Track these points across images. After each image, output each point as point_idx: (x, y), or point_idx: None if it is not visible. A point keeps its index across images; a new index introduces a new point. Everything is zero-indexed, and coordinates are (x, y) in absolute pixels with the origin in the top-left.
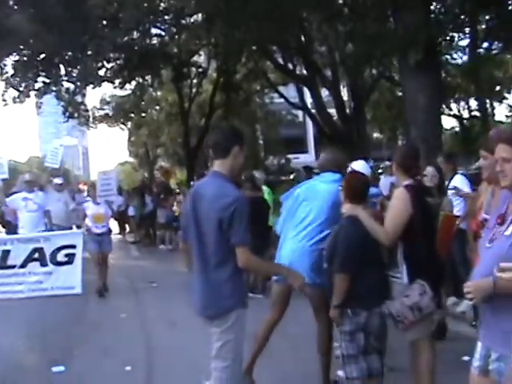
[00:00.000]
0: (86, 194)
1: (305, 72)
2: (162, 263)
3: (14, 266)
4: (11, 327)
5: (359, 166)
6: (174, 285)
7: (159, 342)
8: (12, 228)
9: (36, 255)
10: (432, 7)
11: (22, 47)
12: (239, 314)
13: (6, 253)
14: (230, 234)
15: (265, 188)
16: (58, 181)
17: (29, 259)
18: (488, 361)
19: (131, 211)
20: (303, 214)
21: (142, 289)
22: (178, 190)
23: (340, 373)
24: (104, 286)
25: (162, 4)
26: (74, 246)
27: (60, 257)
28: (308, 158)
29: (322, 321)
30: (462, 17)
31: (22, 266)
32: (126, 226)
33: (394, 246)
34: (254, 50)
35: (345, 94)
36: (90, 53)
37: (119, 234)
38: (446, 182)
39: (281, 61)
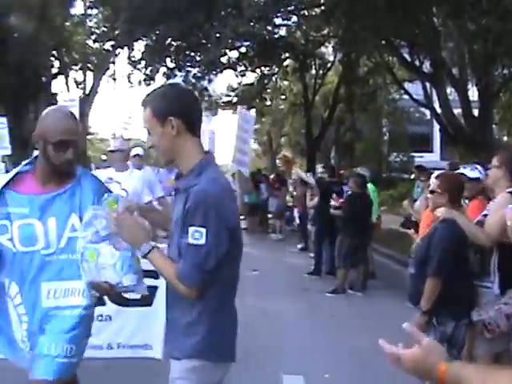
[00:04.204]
0: None
1: (431, 69)
2: (269, 252)
3: None
4: None
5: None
6: (276, 274)
7: (246, 329)
8: None
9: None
10: None
11: (148, 33)
12: None
13: None
14: None
15: (369, 185)
16: (136, 150)
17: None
18: None
19: (246, 198)
20: None
21: (243, 276)
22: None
23: None
24: None
25: None
26: (155, 273)
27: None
28: (432, 157)
29: None
30: None
31: None
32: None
33: (489, 252)
34: (379, 44)
35: (472, 93)
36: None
37: None
38: None
39: (407, 56)
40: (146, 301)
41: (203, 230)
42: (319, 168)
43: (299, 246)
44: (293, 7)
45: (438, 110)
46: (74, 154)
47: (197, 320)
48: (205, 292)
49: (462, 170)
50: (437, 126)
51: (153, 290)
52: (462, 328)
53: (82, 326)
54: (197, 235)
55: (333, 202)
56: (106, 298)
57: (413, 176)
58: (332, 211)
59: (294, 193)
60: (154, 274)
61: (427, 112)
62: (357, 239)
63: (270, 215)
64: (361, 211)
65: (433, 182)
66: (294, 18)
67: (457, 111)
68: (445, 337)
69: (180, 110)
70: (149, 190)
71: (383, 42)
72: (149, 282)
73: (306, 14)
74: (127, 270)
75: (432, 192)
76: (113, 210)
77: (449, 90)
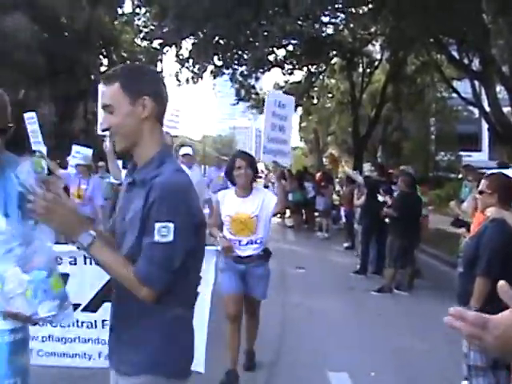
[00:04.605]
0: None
1: (480, 67)
2: (315, 250)
3: (74, 308)
4: None
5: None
6: (321, 272)
7: (292, 327)
8: None
9: None
10: None
11: (196, 31)
12: None
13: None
14: None
15: None
16: (185, 150)
17: (104, 297)
18: None
19: (290, 196)
20: None
21: (289, 273)
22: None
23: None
24: (250, 360)
25: None
26: None
27: None
28: (481, 156)
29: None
30: None
31: (90, 307)
32: (287, 210)
33: None
34: (427, 42)
35: None
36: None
37: (279, 217)
38: None
39: (456, 54)
40: None
41: (171, 225)
42: (366, 167)
43: (345, 245)
44: (340, 5)
45: (487, 109)
46: (2, 144)
47: (150, 330)
48: (163, 296)
49: (505, 171)
50: (485, 125)
51: None
52: None
53: (21, 354)
54: (164, 231)
55: (381, 198)
56: None
57: (460, 176)
58: (385, 210)
59: (341, 191)
60: None
61: (476, 110)
62: (406, 239)
63: (316, 213)
64: (410, 211)
65: (482, 182)
66: (342, 16)
67: (506, 109)
68: None
69: (155, 91)
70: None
71: (431, 39)
72: None
73: (354, 11)
74: (42, 297)
75: (481, 192)
76: (39, 171)
77: (498, 88)
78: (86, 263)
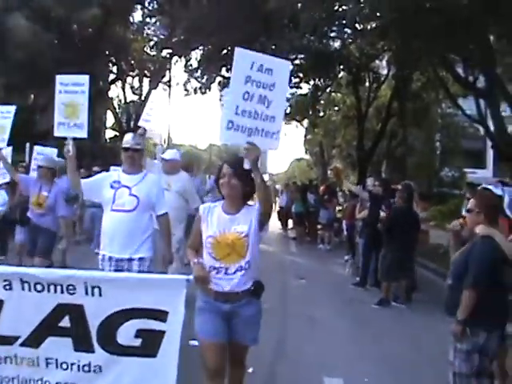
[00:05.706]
0: None
1: (485, 85)
2: (317, 262)
3: (11, 341)
4: None
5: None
6: (323, 284)
7: (292, 334)
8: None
9: (64, 323)
10: None
11: (205, 42)
12: None
13: None
14: None
15: None
16: (166, 155)
17: (47, 330)
18: None
19: (293, 208)
20: None
21: (290, 283)
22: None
23: None
24: None
25: (339, 9)
26: (162, 314)
27: (126, 335)
28: (485, 173)
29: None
30: None
31: (31, 342)
32: (290, 221)
33: None
34: (433, 60)
35: None
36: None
37: (283, 229)
38: None
39: (461, 72)
40: (148, 350)
41: None
42: (369, 181)
43: (346, 257)
44: (347, 21)
45: (491, 127)
46: None
47: None
48: None
49: (488, 186)
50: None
51: (158, 335)
52: (493, 339)
53: None
54: None
55: (382, 214)
56: (95, 343)
57: (463, 192)
58: (378, 225)
59: (345, 205)
60: (158, 315)
61: (481, 128)
62: (400, 253)
63: (319, 226)
64: (403, 224)
65: (470, 201)
66: (349, 32)
67: (511, 128)
68: (477, 347)
69: None
70: (181, 198)
71: (437, 57)
72: (154, 324)
73: (361, 28)
74: None
75: (469, 211)
76: None
77: (502, 106)
78: (24, 288)
